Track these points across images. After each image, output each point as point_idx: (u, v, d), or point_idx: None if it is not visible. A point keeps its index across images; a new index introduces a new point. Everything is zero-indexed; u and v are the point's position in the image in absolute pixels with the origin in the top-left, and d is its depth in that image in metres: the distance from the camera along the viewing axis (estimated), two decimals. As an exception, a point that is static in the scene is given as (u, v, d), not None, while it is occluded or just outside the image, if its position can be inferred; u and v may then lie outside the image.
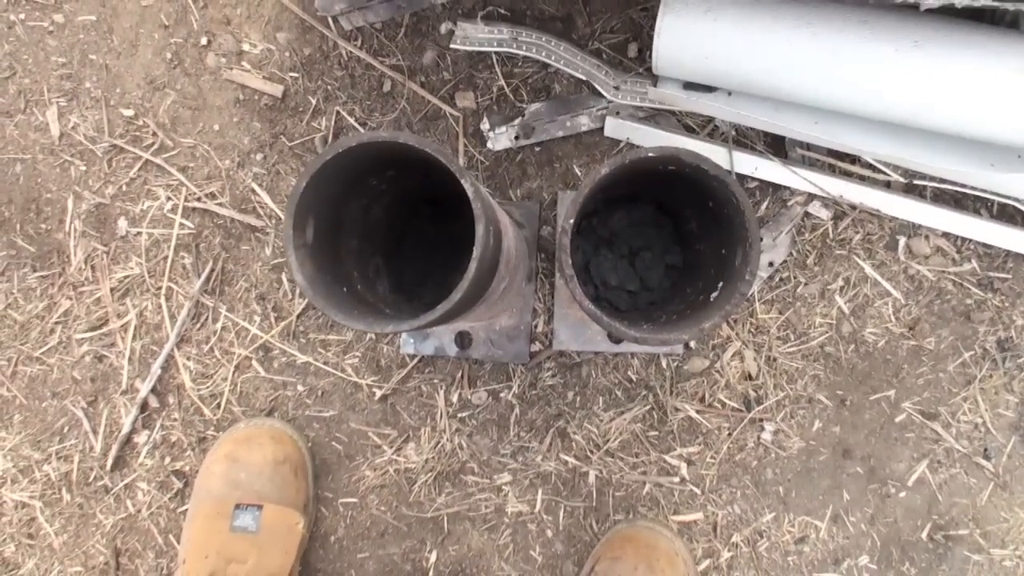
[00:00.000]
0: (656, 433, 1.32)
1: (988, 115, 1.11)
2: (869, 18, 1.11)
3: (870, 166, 1.30)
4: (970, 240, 1.30)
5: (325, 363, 1.37)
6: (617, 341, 1.29)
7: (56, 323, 1.41)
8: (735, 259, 0.78)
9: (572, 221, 0.76)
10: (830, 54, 1.12)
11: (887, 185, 1.30)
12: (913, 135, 1.21)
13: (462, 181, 0.72)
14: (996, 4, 0.96)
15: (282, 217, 1.38)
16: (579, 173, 1.35)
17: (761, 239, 0.75)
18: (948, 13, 1.10)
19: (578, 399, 1.34)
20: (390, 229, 1.08)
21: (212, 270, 1.39)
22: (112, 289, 1.40)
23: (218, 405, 1.38)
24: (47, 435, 1.41)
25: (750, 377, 1.32)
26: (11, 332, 1.42)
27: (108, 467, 1.38)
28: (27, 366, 1.42)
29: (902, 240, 1.31)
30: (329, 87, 1.39)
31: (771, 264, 1.31)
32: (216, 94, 1.42)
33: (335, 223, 0.84)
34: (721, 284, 0.81)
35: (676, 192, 0.96)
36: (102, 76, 1.44)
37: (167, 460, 1.38)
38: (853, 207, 1.30)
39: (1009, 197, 1.27)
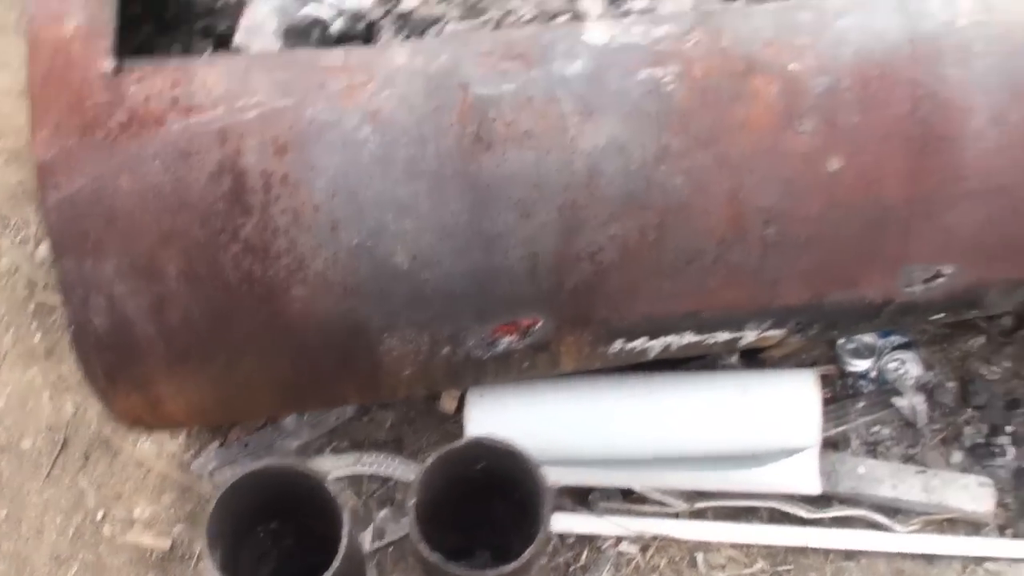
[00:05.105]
0: None
1: (714, 431, 1.51)
2: (614, 378, 1.52)
3: (659, 502, 1.61)
4: (753, 545, 1.60)
5: None
6: None
7: None
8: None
9: (416, 499, 1.14)
10: (591, 412, 1.51)
11: (676, 515, 1.61)
12: (678, 462, 1.55)
13: (325, 485, 0.99)
14: (696, 347, 1.36)
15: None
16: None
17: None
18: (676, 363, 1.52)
19: None
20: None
21: None
22: None
23: None
24: None
25: None
26: None
27: None
28: None
29: (700, 556, 1.59)
30: (211, 532, 1.65)
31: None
32: (113, 557, 1.65)
33: (233, 569, 1.08)
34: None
35: (499, 515, 1.26)
36: (14, 562, 1.66)
37: None
38: (655, 538, 1.59)
39: (769, 498, 1.59)
